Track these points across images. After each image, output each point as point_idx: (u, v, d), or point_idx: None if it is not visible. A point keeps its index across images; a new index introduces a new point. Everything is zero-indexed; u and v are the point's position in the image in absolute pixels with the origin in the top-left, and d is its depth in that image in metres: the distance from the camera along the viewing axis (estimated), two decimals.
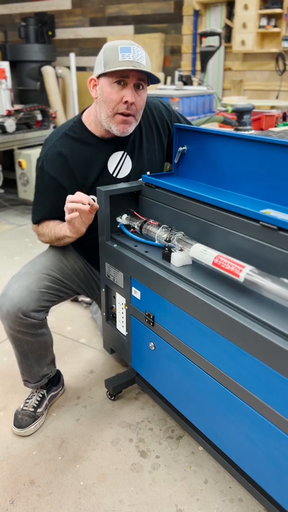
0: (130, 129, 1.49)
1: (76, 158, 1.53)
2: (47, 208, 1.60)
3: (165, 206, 1.44)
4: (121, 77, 1.39)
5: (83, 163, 1.54)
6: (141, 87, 1.43)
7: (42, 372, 1.68)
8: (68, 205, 1.38)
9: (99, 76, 1.43)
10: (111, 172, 1.59)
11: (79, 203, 1.37)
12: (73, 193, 1.55)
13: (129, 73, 1.38)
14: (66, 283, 1.63)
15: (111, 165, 1.58)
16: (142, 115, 1.60)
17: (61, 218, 1.60)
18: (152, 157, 1.65)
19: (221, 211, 1.22)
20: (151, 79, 1.46)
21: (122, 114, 1.43)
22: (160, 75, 4.98)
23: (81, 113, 1.60)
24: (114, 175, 1.60)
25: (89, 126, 1.55)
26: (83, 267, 1.71)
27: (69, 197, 1.39)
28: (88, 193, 1.56)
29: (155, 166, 1.67)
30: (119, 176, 1.60)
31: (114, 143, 1.57)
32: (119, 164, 1.59)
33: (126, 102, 1.40)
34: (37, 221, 1.64)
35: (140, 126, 1.61)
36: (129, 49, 1.37)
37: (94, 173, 1.56)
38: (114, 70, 1.36)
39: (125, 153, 1.59)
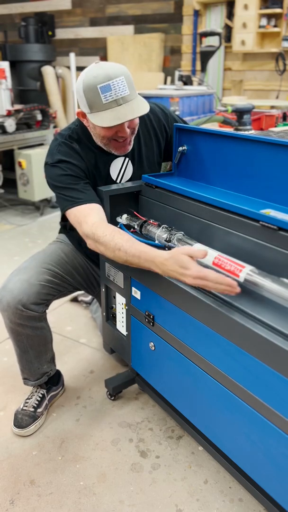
0: (130, 147, 1.50)
1: (85, 157, 1.52)
2: (85, 194, 1.44)
3: (165, 206, 1.44)
4: None
5: (91, 164, 1.53)
6: None
7: (42, 370, 1.69)
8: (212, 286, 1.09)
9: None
10: (114, 178, 1.59)
11: (216, 287, 1.09)
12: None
13: None
14: (66, 278, 1.64)
15: (114, 171, 1.59)
16: (140, 120, 1.60)
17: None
18: (151, 161, 1.66)
19: (221, 211, 1.22)
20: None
21: (119, 141, 1.44)
22: (160, 75, 4.98)
23: None
24: (118, 181, 1.60)
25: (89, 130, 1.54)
26: (83, 263, 1.72)
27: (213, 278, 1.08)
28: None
29: (154, 169, 1.68)
30: (122, 182, 1.61)
31: None
32: (122, 170, 1.60)
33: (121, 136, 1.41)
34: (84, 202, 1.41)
35: (138, 132, 1.61)
36: (108, 87, 1.31)
37: (99, 177, 1.56)
38: (101, 126, 1.34)
39: (127, 159, 1.60)
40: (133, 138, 1.50)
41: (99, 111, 1.34)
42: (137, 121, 1.45)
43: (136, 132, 1.50)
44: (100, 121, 1.34)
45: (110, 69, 1.32)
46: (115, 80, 1.31)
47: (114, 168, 1.59)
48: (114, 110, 1.32)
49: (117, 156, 1.57)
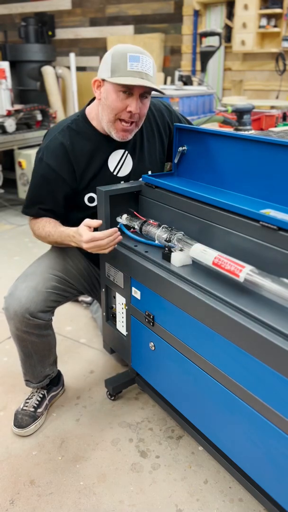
0: (130, 136, 1.50)
1: (77, 151, 1.52)
2: (44, 201, 1.55)
3: (165, 206, 1.44)
4: (128, 87, 1.38)
5: (84, 157, 1.53)
6: (145, 96, 1.44)
7: (45, 373, 1.68)
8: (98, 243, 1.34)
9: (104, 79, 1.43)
10: (111, 170, 1.59)
11: (109, 242, 1.34)
12: (72, 187, 1.54)
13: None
14: (71, 283, 1.64)
15: (112, 163, 1.58)
16: None
17: (57, 213, 1.58)
18: (153, 157, 1.65)
19: (221, 211, 1.22)
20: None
21: (124, 121, 1.44)
22: (160, 75, 4.98)
23: (86, 106, 1.59)
24: (115, 173, 1.60)
25: (92, 121, 1.55)
26: (87, 266, 1.72)
27: (96, 236, 1.34)
28: (86, 188, 1.56)
29: (156, 166, 1.67)
30: (120, 175, 1.61)
31: (115, 140, 1.57)
32: (120, 162, 1.59)
33: (130, 111, 1.41)
34: (32, 215, 1.59)
35: (141, 127, 1.61)
36: (138, 58, 1.36)
37: (93, 168, 1.56)
38: (122, 83, 1.36)
39: (126, 152, 1.60)
40: (136, 129, 1.50)
41: (121, 76, 1.36)
42: (144, 111, 1.46)
43: (141, 124, 1.50)
44: (119, 80, 1.36)
45: (142, 49, 1.41)
46: (145, 56, 1.38)
47: (113, 160, 1.59)
48: (135, 79, 1.36)
49: (116, 148, 1.57)
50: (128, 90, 1.39)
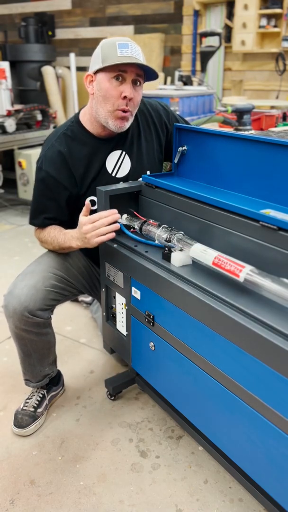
0: (127, 124, 1.50)
1: (74, 157, 1.54)
2: (48, 209, 1.59)
3: (165, 206, 1.44)
4: (120, 72, 1.39)
5: (81, 162, 1.54)
6: (138, 83, 1.45)
7: (44, 372, 1.68)
8: (99, 231, 1.38)
9: (96, 72, 1.44)
10: (110, 171, 1.59)
11: (109, 224, 1.38)
12: (72, 192, 1.56)
13: (127, 68, 1.39)
14: (71, 281, 1.64)
15: (110, 164, 1.59)
16: (141, 115, 1.62)
17: (61, 220, 1.61)
18: (151, 156, 1.66)
19: (221, 211, 1.22)
20: (148, 76, 1.47)
21: (121, 110, 1.44)
22: (160, 75, 4.98)
23: (79, 112, 1.61)
24: (114, 174, 1.60)
25: (86, 125, 1.56)
26: (87, 266, 1.72)
27: (92, 218, 1.38)
28: (86, 192, 1.57)
29: (154, 166, 1.67)
30: (118, 175, 1.61)
31: (111, 142, 1.57)
32: (118, 163, 1.60)
33: (125, 97, 1.41)
34: (38, 225, 1.62)
35: (138, 126, 1.61)
36: (127, 45, 1.38)
37: (92, 172, 1.56)
38: (114, 64, 1.37)
39: (123, 152, 1.60)
40: (131, 119, 1.50)
41: (113, 62, 1.37)
42: (138, 99, 1.47)
43: (135, 112, 1.50)
44: (111, 62, 1.37)
45: (130, 39, 1.43)
46: (133, 44, 1.41)
47: (111, 161, 1.59)
48: (126, 60, 1.38)
49: (113, 149, 1.58)
50: (121, 75, 1.40)
